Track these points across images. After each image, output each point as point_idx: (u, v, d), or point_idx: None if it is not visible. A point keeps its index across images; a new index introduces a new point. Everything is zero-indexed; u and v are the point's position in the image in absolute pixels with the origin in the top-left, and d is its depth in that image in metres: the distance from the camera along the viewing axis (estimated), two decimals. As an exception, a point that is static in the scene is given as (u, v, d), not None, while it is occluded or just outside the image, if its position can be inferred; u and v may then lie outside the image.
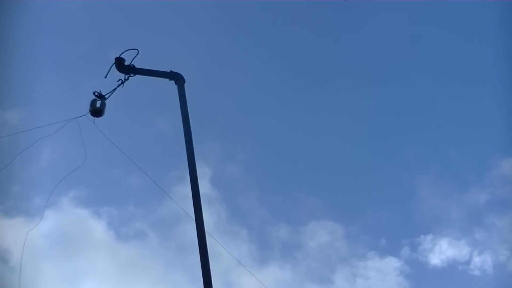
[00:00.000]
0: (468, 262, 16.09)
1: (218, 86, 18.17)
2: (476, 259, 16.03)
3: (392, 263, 16.24)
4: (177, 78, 8.09)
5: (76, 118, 7.90)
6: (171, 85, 8.18)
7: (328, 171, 18.03)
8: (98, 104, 7.91)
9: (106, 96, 7.95)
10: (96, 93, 7.93)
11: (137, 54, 7.91)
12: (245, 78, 18.63)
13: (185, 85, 8.11)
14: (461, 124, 17.49)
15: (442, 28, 17.85)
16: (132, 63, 7.96)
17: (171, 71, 8.14)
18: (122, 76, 7.99)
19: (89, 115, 7.91)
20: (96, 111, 7.90)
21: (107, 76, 7.96)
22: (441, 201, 17.11)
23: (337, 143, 18.32)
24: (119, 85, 7.96)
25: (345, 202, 17.64)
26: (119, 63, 7.92)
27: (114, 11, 17.09)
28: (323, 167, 18.09)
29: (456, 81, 17.62)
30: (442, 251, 16.14)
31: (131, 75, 7.99)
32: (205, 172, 16.77)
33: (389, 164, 18.08)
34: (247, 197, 17.38)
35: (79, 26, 16.95)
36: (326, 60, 18.63)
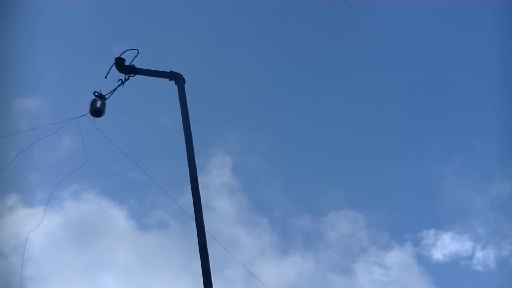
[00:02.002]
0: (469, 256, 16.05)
1: (240, 75, 18.28)
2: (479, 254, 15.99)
3: (396, 256, 16.19)
4: (177, 78, 8.07)
5: (76, 118, 7.93)
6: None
7: (351, 161, 18.05)
8: (98, 104, 7.93)
9: (106, 96, 7.98)
10: (96, 93, 7.95)
11: (137, 54, 7.92)
12: (266, 68, 18.62)
13: (185, 84, 8.08)
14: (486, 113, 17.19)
15: (459, 20, 17.77)
16: (132, 63, 7.97)
17: (171, 71, 8.12)
18: (122, 76, 8.01)
19: (89, 115, 7.94)
20: (96, 111, 7.92)
21: (107, 76, 7.99)
22: (465, 192, 16.94)
23: (360, 132, 18.24)
24: (119, 85, 7.98)
25: (367, 192, 17.58)
26: (119, 63, 7.94)
27: (115, 9, 17.09)
28: (345, 157, 18.10)
29: (479, 71, 17.32)
30: (448, 244, 16.13)
31: (131, 75, 8.01)
32: (227, 161, 16.87)
33: (413, 153, 18.01)
34: (269, 186, 17.34)
35: (80, 24, 16.95)
36: (342, 51, 18.64)
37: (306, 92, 18.48)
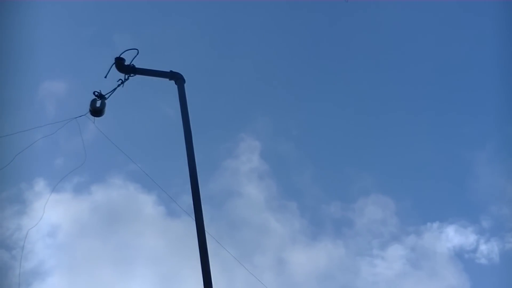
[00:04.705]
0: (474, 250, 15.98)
1: (269, 61, 18.32)
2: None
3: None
4: (177, 78, 8.06)
5: (76, 118, 7.93)
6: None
7: (383, 147, 17.94)
8: (98, 104, 7.93)
9: (106, 96, 7.97)
10: (96, 93, 7.95)
11: (137, 54, 7.91)
12: (295, 55, 18.62)
13: (185, 84, 8.07)
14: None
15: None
16: (132, 63, 7.96)
17: (171, 71, 8.12)
18: (122, 75, 8.00)
19: (89, 115, 7.94)
20: (96, 111, 7.92)
21: (107, 76, 7.99)
22: (498, 179, 16.64)
23: (391, 118, 18.17)
24: (119, 85, 7.97)
25: (399, 179, 17.53)
26: (119, 63, 7.93)
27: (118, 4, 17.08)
28: (377, 143, 18.03)
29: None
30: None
31: (131, 75, 8.00)
32: (256, 146, 16.91)
33: (445, 139, 17.88)
34: (298, 172, 17.34)
35: (82, 16, 16.94)
36: (369, 39, 18.58)
37: (336, 78, 18.51)
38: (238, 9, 17.60)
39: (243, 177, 16.83)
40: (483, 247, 15.86)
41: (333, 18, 18.30)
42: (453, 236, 16.15)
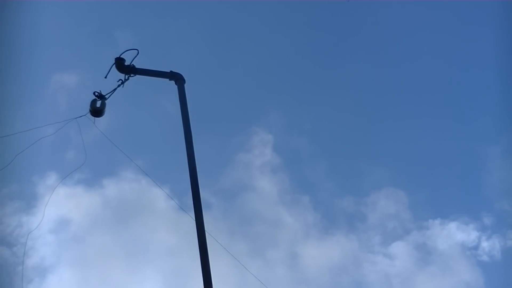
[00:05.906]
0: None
1: (283, 56, 18.29)
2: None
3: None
4: (177, 78, 8.06)
5: (76, 118, 7.96)
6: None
7: (396, 141, 17.83)
8: (98, 104, 7.95)
9: (106, 96, 7.99)
10: (96, 93, 7.97)
11: (137, 54, 7.92)
12: (309, 51, 18.57)
13: (185, 84, 8.07)
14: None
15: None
16: (132, 63, 7.97)
17: (171, 71, 8.12)
18: (122, 76, 8.02)
19: (89, 115, 7.96)
20: (96, 111, 7.94)
21: (107, 76, 8.00)
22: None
23: (405, 112, 18.07)
24: (119, 85, 7.99)
25: (412, 172, 17.39)
26: (119, 63, 7.94)
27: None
28: (390, 137, 17.91)
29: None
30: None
31: (131, 75, 8.01)
32: (269, 140, 16.81)
33: (460, 133, 17.76)
34: (311, 166, 17.25)
35: (83, 13, 16.89)
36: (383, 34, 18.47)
37: (350, 73, 18.30)
38: (246, 6, 17.58)
39: (256, 171, 16.79)
40: (485, 244, 15.83)
41: (334, 16, 18.31)
42: (465, 232, 16.08)
